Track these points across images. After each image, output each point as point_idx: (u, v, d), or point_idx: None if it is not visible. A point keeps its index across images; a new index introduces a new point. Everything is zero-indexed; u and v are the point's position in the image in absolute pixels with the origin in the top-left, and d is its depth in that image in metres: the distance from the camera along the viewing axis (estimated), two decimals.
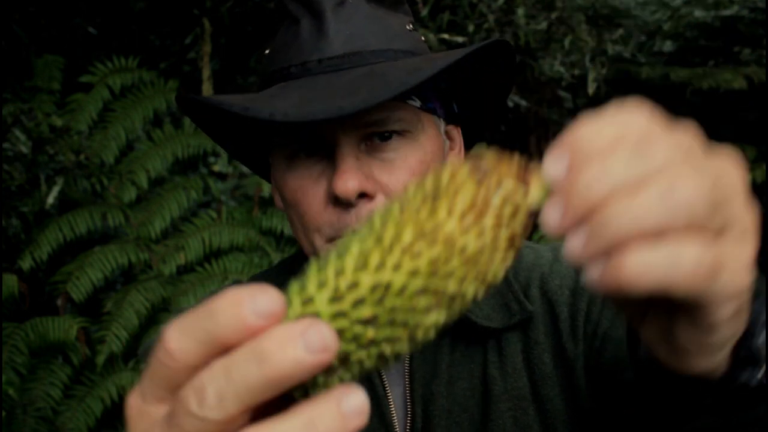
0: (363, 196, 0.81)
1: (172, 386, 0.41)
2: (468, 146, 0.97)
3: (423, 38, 0.97)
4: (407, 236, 0.40)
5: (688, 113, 5.00)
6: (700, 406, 0.56)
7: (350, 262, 0.40)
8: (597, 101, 4.93)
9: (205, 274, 3.37)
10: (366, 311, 0.40)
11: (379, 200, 0.81)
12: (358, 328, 0.40)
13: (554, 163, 0.41)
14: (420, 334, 0.41)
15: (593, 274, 0.39)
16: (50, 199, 3.21)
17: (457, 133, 0.94)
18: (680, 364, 0.48)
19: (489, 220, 0.40)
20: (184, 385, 0.40)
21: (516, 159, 0.43)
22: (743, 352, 0.52)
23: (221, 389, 0.39)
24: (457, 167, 0.42)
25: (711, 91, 4.41)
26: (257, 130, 0.89)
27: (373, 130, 0.82)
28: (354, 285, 0.40)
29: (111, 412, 3.21)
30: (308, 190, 0.82)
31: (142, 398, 0.43)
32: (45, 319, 3.11)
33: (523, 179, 0.42)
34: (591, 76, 4.05)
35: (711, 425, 0.57)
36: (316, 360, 0.38)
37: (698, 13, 4.85)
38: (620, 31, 4.30)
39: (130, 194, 3.47)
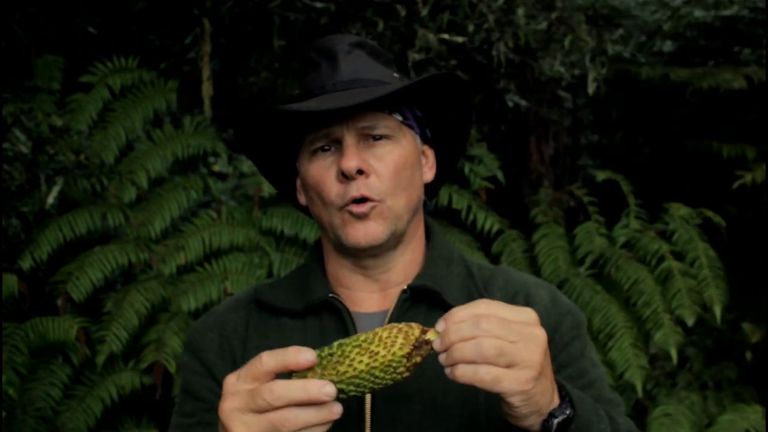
0: (360, 173, 1.16)
1: (257, 379, 0.94)
2: (444, 159, 1.33)
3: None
4: (365, 358, 0.95)
5: (688, 113, 5.01)
6: None
7: (345, 361, 0.95)
8: (597, 101, 4.93)
9: (205, 274, 3.37)
10: (346, 382, 0.95)
11: (372, 179, 1.17)
12: (343, 384, 0.95)
13: (440, 324, 0.97)
14: (365, 390, 0.97)
15: (447, 371, 0.95)
16: (50, 199, 3.21)
17: (430, 153, 1.30)
18: (512, 422, 1.01)
19: (400, 351, 0.95)
20: (264, 382, 0.94)
21: (420, 329, 0.97)
22: (545, 424, 1.00)
23: (281, 394, 0.92)
24: (393, 333, 0.96)
25: (711, 91, 4.41)
26: (290, 130, 1.23)
27: (367, 132, 1.18)
28: (345, 371, 0.95)
29: (111, 412, 3.21)
30: (324, 173, 1.19)
31: (237, 378, 0.96)
32: (45, 319, 3.10)
33: (424, 331, 0.96)
34: (591, 76, 4.05)
35: None
36: (326, 397, 0.93)
37: (698, 13, 4.84)
38: (620, 31, 4.29)
39: (130, 194, 3.47)
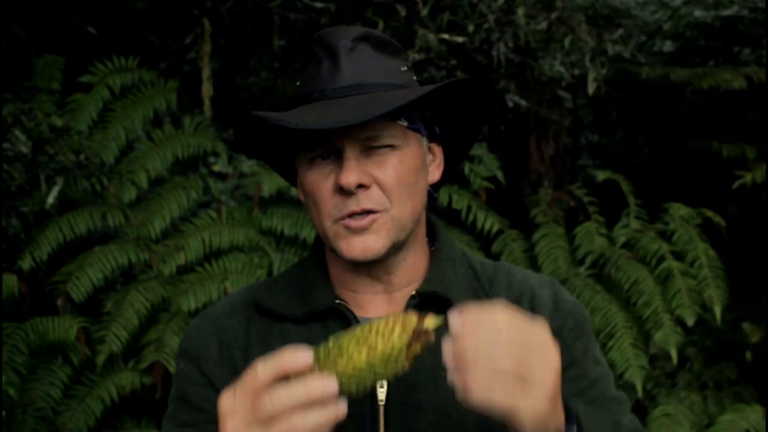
0: (361, 186, 1.11)
1: (256, 392, 0.89)
2: (451, 157, 1.28)
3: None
4: (363, 351, 0.91)
5: (688, 113, 5.02)
6: None
7: (344, 356, 0.92)
8: (597, 101, 4.94)
9: (205, 274, 3.37)
10: (346, 378, 0.91)
11: (374, 190, 1.12)
12: (343, 380, 0.91)
13: (454, 319, 0.93)
14: (367, 386, 0.93)
15: (458, 392, 0.91)
16: (50, 199, 3.21)
17: (438, 150, 1.25)
18: None
19: (399, 342, 0.91)
20: (263, 392, 0.88)
21: (417, 317, 0.93)
22: None
23: (284, 400, 0.88)
24: (390, 323, 0.92)
25: (711, 91, 4.41)
26: (288, 138, 1.18)
27: (370, 143, 1.12)
28: (344, 367, 0.91)
29: (111, 412, 3.21)
30: (321, 182, 1.14)
31: (234, 396, 0.91)
32: (45, 319, 3.10)
33: (421, 319, 0.92)
34: (591, 76, 4.05)
35: None
36: (329, 394, 0.89)
37: (698, 13, 4.84)
38: (620, 31, 4.29)
39: (130, 194, 3.47)
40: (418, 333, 0.91)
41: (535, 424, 0.91)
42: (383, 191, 1.12)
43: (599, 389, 1.20)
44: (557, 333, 1.18)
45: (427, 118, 1.20)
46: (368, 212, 1.12)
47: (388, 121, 1.13)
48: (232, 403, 0.91)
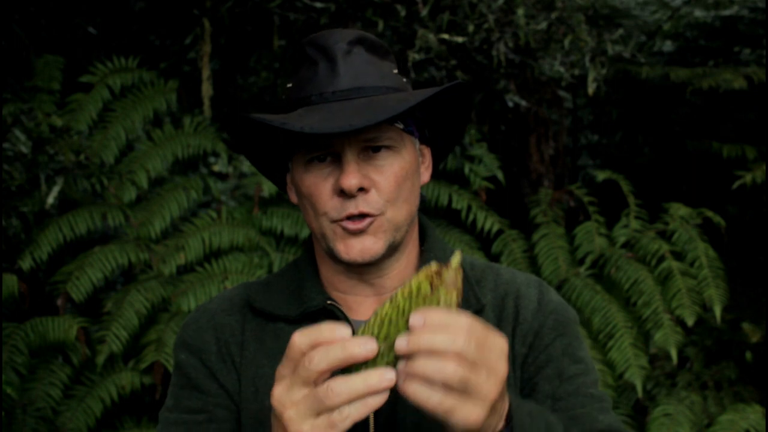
0: (361, 189, 1.12)
1: (296, 359, 0.90)
2: (436, 158, 1.31)
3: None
4: (386, 304, 0.93)
5: (688, 113, 5.01)
6: None
7: (373, 317, 0.93)
8: (597, 101, 4.94)
9: (205, 274, 3.37)
10: (377, 328, 0.92)
11: (372, 194, 1.13)
12: (375, 331, 0.92)
13: (416, 318, 0.91)
14: (401, 329, 0.91)
15: (400, 381, 0.89)
16: (50, 199, 3.21)
17: (427, 152, 1.27)
18: None
19: (416, 281, 0.92)
20: (301, 357, 0.90)
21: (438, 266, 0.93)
22: None
23: (321, 358, 0.88)
24: (420, 276, 0.93)
25: (711, 91, 4.41)
26: (286, 141, 1.19)
27: (369, 144, 1.14)
28: (373, 321, 0.93)
29: (111, 412, 3.21)
30: (320, 184, 1.15)
31: (282, 367, 0.92)
32: (45, 319, 3.11)
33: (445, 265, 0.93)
34: (591, 76, 4.04)
35: None
36: (367, 353, 0.89)
37: (698, 13, 4.85)
38: (620, 31, 4.29)
39: (130, 194, 3.47)
40: (440, 271, 0.92)
41: (467, 429, 0.89)
42: (381, 195, 1.14)
43: (573, 385, 1.19)
44: (536, 334, 1.21)
45: (418, 119, 1.22)
46: (365, 215, 1.13)
47: (387, 124, 1.14)
48: (280, 370, 0.93)
